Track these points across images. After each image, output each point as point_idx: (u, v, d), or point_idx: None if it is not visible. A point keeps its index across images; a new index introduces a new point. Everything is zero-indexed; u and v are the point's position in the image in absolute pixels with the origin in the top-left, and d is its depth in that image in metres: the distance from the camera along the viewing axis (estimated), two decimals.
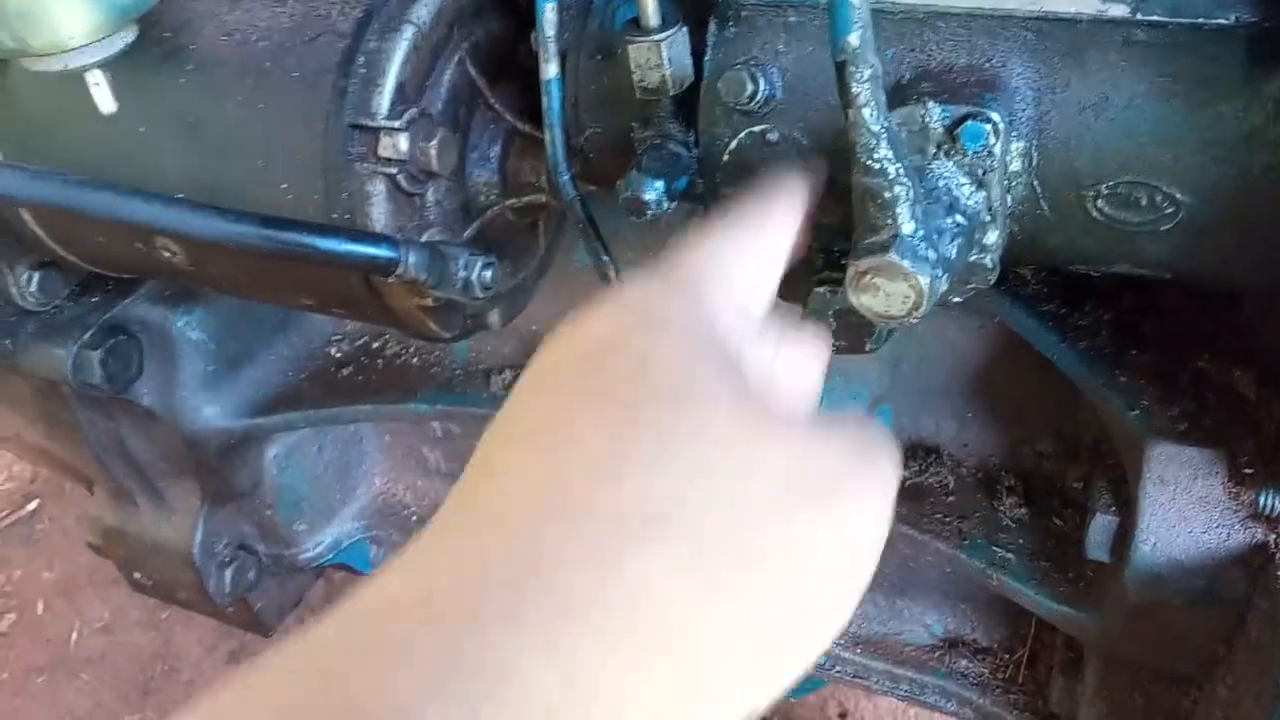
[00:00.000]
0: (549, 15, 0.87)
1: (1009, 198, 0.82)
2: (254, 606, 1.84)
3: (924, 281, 0.74)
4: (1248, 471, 0.94)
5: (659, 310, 0.48)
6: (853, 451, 0.47)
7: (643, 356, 0.45)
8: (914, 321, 0.77)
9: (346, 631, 0.37)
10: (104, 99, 0.89)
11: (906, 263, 0.74)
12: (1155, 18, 0.74)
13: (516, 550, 0.39)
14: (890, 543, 1.35)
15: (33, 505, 2.92)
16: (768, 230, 0.61)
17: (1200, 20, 0.72)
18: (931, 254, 0.75)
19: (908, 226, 0.74)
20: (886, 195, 0.74)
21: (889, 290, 0.76)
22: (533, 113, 1.11)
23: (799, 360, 0.65)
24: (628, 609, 0.37)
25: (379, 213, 1.01)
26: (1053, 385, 1.24)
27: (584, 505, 0.40)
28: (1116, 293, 1.09)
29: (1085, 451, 1.24)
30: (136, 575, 1.82)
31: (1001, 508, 1.24)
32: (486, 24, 1.08)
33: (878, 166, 0.72)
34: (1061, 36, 0.77)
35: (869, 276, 0.76)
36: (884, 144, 0.72)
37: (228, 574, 1.71)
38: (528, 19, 1.11)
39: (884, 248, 0.74)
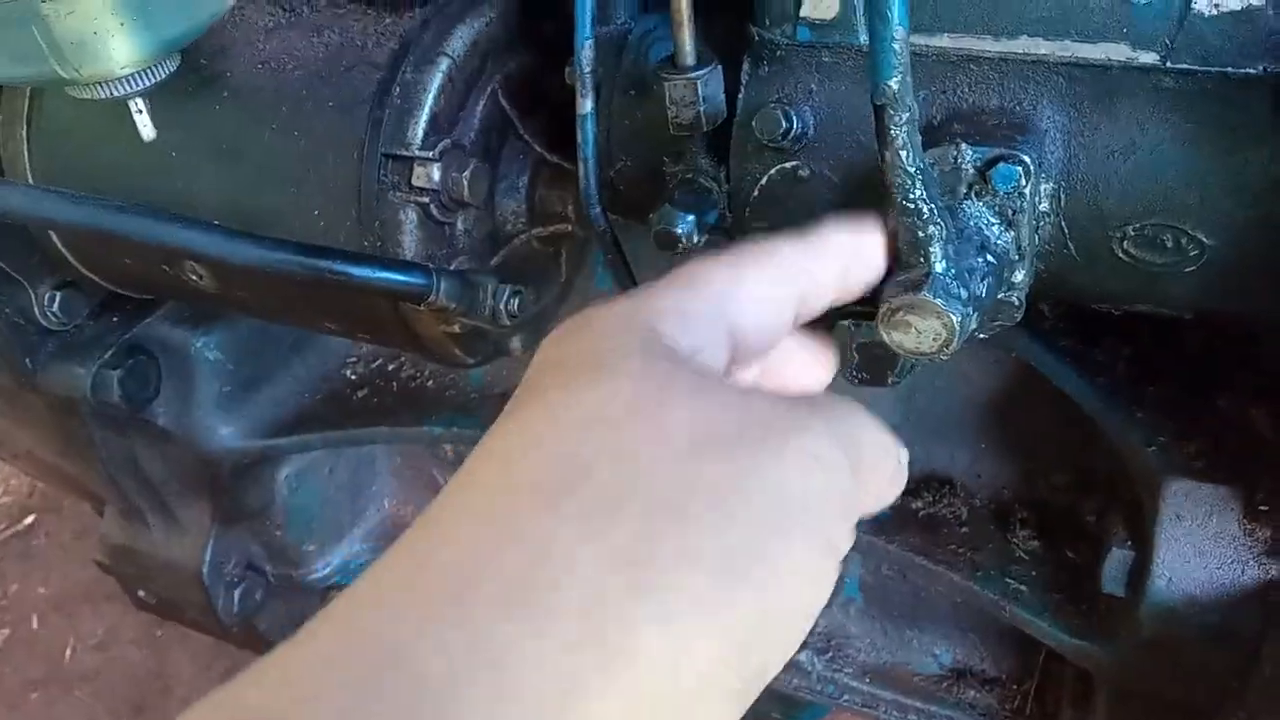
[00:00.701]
0: (587, 52, 0.89)
1: (1037, 237, 0.84)
2: (258, 627, 1.84)
3: (955, 319, 0.76)
4: (1264, 508, 0.95)
5: (610, 307, 0.48)
6: (792, 405, 0.45)
7: (567, 347, 0.46)
8: (944, 358, 0.79)
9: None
10: (145, 126, 0.90)
11: (939, 301, 0.75)
12: (1184, 66, 0.76)
13: (432, 534, 0.40)
14: (901, 572, 1.36)
15: (29, 520, 2.91)
16: (783, 262, 0.56)
17: (1228, 69, 0.74)
18: (963, 292, 0.77)
19: (940, 265, 0.76)
20: (920, 234, 0.75)
21: (921, 327, 0.77)
22: (561, 143, 1.13)
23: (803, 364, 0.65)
24: (539, 574, 0.36)
25: (410, 241, 1.03)
26: (1067, 418, 1.26)
27: (492, 481, 0.41)
28: (1134, 329, 1.11)
29: (1100, 485, 1.25)
30: (141, 593, 1.82)
31: (1015, 540, 1.25)
32: (518, 56, 1.10)
33: (912, 206, 0.74)
34: (1092, 82, 0.79)
35: (901, 314, 0.77)
36: (919, 184, 0.73)
37: (236, 594, 1.71)
38: (557, 52, 1.14)
39: (917, 285, 0.76)
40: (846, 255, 0.65)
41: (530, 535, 0.37)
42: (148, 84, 0.89)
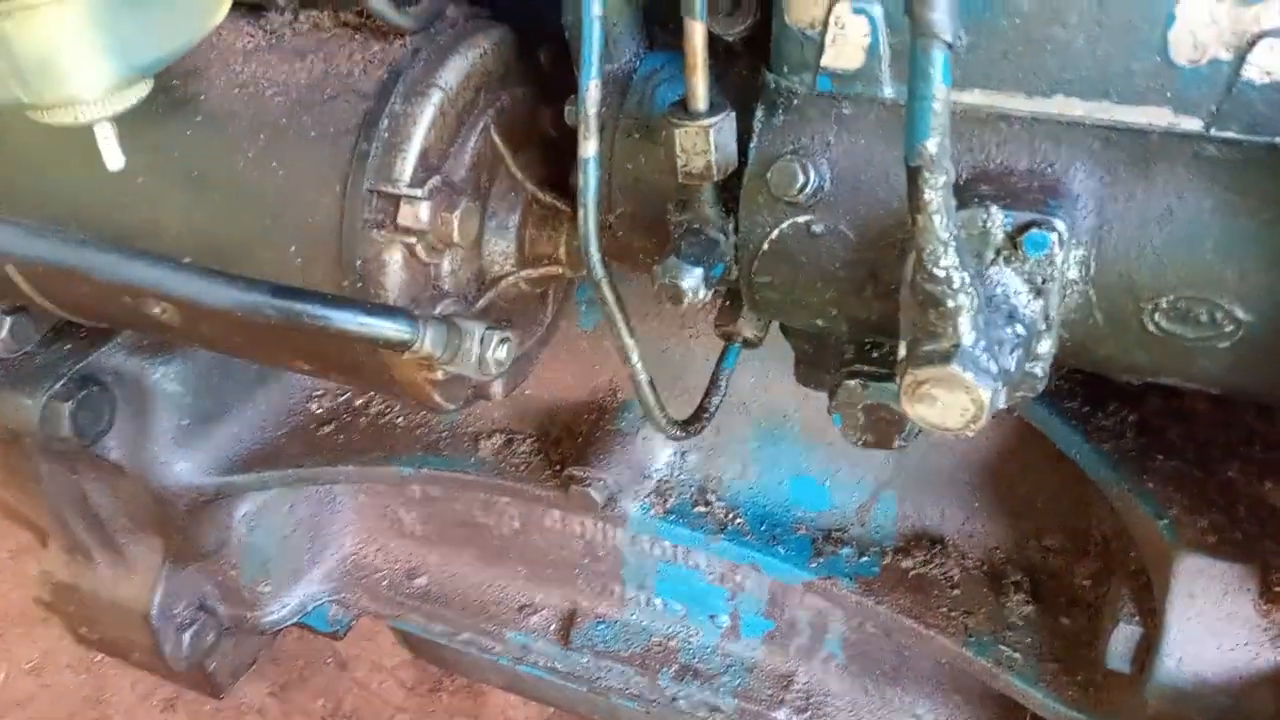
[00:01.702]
0: (593, 92, 0.84)
1: (1062, 305, 0.79)
2: (208, 668, 1.75)
3: (985, 395, 0.71)
4: (1279, 589, 0.92)
5: None
6: None
7: None
8: (970, 434, 0.74)
9: None
10: (112, 154, 0.83)
11: (970, 375, 0.71)
12: (1229, 134, 0.72)
13: None
14: (887, 633, 1.31)
15: None
16: None
17: (1276, 140, 0.71)
18: (993, 366, 0.72)
19: (969, 337, 0.72)
20: (950, 304, 0.71)
21: (947, 402, 0.73)
22: (553, 182, 1.08)
23: None
24: None
25: (393, 282, 0.96)
26: (1063, 479, 1.22)
27: None
28: (1140, 394, 1.07)
29: (1095, 548, 1.22)
30: (83, 630, 1.72)
31: (1009, 604, 1.21)
32: (511, 90, 1.05)
33: (943, 274, 0.70)
34: (1129, 146, 0.75)
35: (927, 386, 0.73)
36: (951, 252, 0.69)
37: (186, 637, 1.63)
38: (552, 85, 1.09)
39: (945, 358, 0.71)
40: None
41: None
42: (117, 110, 0.82)
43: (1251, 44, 0.69)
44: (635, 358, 0.96)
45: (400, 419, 1.52)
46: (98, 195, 1.02)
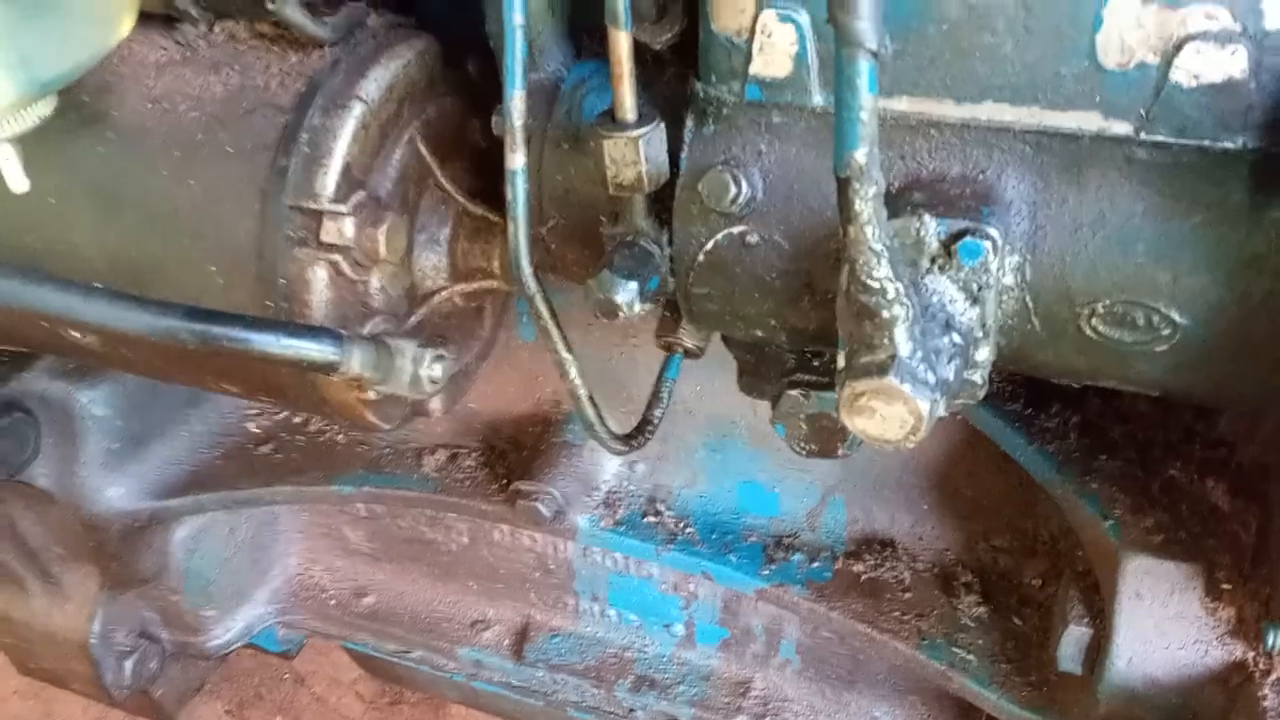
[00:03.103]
0: (517, 103, 0.81)
1: (1000, 312, 0.78)
2: (154, 694, 1.71)
3: (924, 406, 0.70)
4: (1225, 587, 0.92)
5: None
6: None
7: None
8: (910, 446, 0.73)
9: None
10: (15, 177, 0.79)
11: (907, 387, 0.69)
12: (1160, 138, 0.71)
13: None
14: (841, 637, 1.30)
15: None
16: None
17: (1206, 143, 0.70)
18: (930, 376, 0.71)
19: (905, 348, 0.70)
20: (885, 315, 0.69)
21: (885, 414, 0.71)
22: (484, 193, 1.05)
23: None
24: None
25: (319, 301, 0.93)
26: (1009, 480, 1.22)
27: None
28: (1082, 396, 1.07)
29: (1043, 548, 1.21)
30: (26, 663, 1.67)
31: (960, 606, 1.21)
32: (438, 100, 1.02)
33: (877, 285, 0.68)
34: (1060, 151, 0.74)
35: (865, 399, 0.71)
36: (884, 263, 0.68)
37: (128, 665, 1.58)
38: (480, 95, 1.06)
39: (882, 369, 0.70)
40: None
41: None
42: (19, 130, 0.78)
43: (1178, 47, 0.69)
44: (574, 372, 0.94)
45: (340, 436, 1.49)
46: (4, 218, 0.97)
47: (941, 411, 0.72)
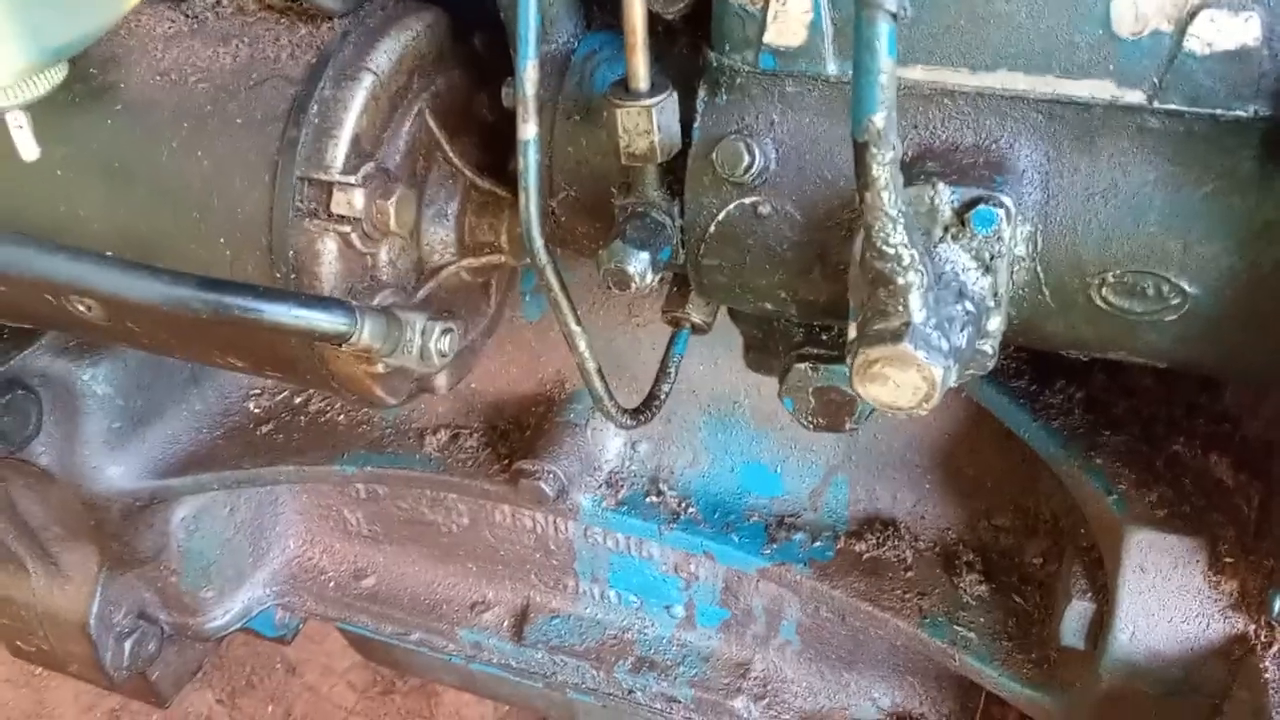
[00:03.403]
0: (530, 73, 0.81)
1: (1011, 282, 0.79)
2: (151, 677, 1.70)
3: (937, 373, 0.70)
4: (1228, 560, 0.92)
5: None
6: None
7: None
8: (922, 413, 0.73)
9: None
10: (26, 144, 0.79)
11: (921, 353, 0.70)
12: (1172, 106, 0.72)
13: None
14: (842, 617, 1.31)
15: None
16: None
17: (1218, 111, 0.71)
18: (944, 344, 0.71)
19: (919, 315, 0.71)
20: (899, 281, 0.70)
21: (899, 380, 0.71)
22: (492, 168, 1.05)
23: None
24: None
25: (328, 272, 0.93)
26: (1011, 458, 1.22)
27: None
28: (1086, 371, 1.07)
29: (1044, 527, 1.22)
30: (18, 643, 1.67)
31: (962, 584, 1.21)
32: (447, 73, 1.02)
33: (892, 251, 0.68)
34: (1073, 120, 0.75)
35: (879, 366, 0.71)
36: (900, 229, 0.68)
37: (126, 645, 1.58)
38: (488, 69, 1.06)
39: (896, 336, 0.70)
40: None
41: None
42: (30, 97, 0.78)
43: (1192, 15, 0.69)
44: (583, 345, 0.94)
45: (342, 416, 1.49)
46: (13, 189, 0.97)
47: (954, 380, 0.73)
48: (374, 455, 1.42)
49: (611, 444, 1.37)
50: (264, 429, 1.48)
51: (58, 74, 0.80)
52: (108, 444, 1.38)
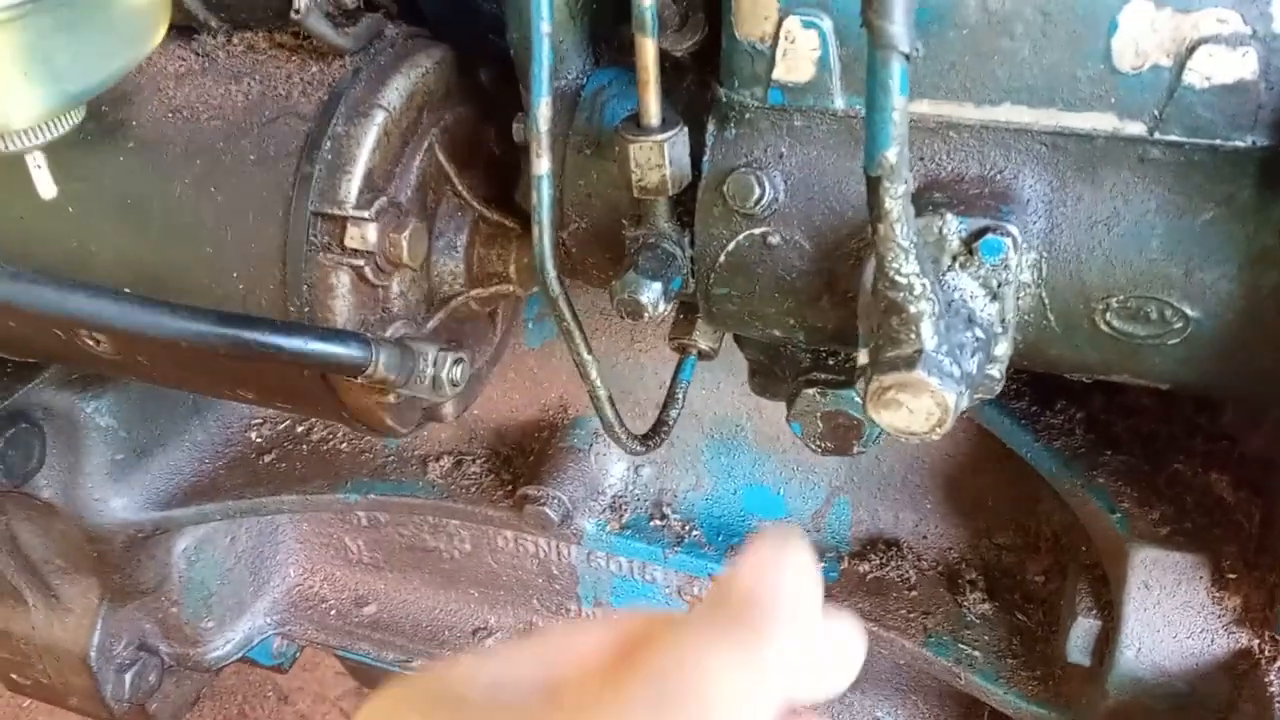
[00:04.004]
0: (544, 110, 0.83)
1: (1017, 308, 0.81)
2: (149, 709, 1.70)
3: (950, 398, 0.72)
4: (1231, 576, 0.94)
5: None
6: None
7: None
8: (935, 438, 0.75)
9: None
10: (44, 183, 0.80)
11: (934, 379, 0.71)
12: (1172, 137, 0.74)
13: None
14: None
15: None
16: (764, 646, 0.41)
17: (1217, 142, 0.73)
18: (956, 370, 0.73)
19: (931, 342, 0.72)
20: (912, 310, 0.71)
21: (913, 406, 0.73)
22: (499, 200, 1.07)
23: None
24: None
25: (342, 306, 0.94)
26: (1012, 477, 1.24)
27: None
28: (1086, 392, 1.09)
29: (1046, 545, 1.24)
30: (14, 677, 1.66)
31: (965, 603, 1.23)
32: (455, 108, 1.03)
33: (904, 281, 0.70)
34: (1076, 151, 0.77)
35: (892, 392, 0.73)
36: (911, 259, 0.70)
37: (127, 677, 1.57)
38: (494, 103, 1.08)
39: (909, 363, 0.72)
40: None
41: None
42: (50, 138, 0.79)
43: (1191, 50, 0.71)
44: (594, 373, 0.95)
45: (344, 444, 1.49)
46: (27, 226, 0.98)
47: (965, 404, 0.74)
48: (377, 483, 1.43)
49: (615, 468, 1.38)
50: (266, 458, 1.48)
51: (77, 115, 0.82)
52: (111, 476, 1.38)
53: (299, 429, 1.52)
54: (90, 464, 1.37)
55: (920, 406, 0.73)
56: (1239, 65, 0.70)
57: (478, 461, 1.43)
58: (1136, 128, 0.75)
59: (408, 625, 1.62)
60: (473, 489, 1.39)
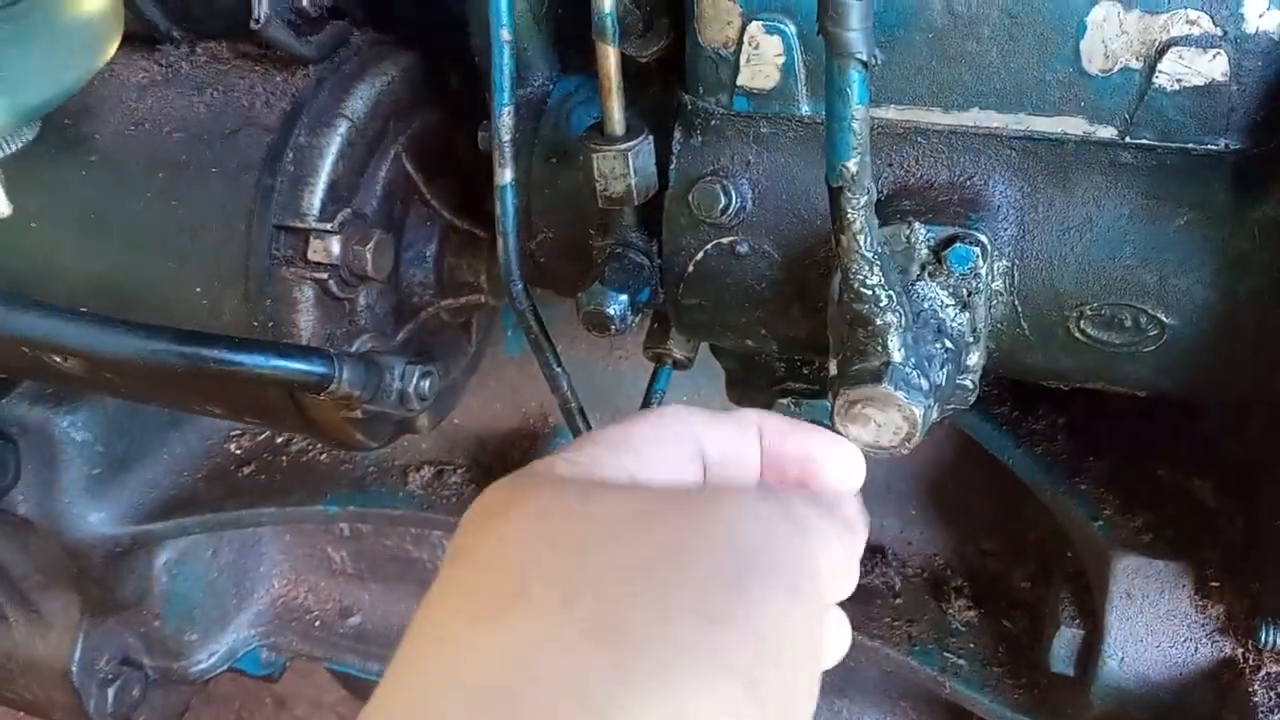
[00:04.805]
0: (505, 119, 0.81)
1: (989, 316, 0.79)
2: None
3: (918, 412, 0.70)
4: (1214, 584, 0.93)
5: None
6: (723, 487, 0.54)
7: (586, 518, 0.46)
8: (904, 453, 0.73)
9: None
10: (0, 201, 0.79)
11: (901, 393, 0.70)
12: (1144, 141, 0.72)
13: (427, 647, 0.44)
14: None
15: None
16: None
17: (1189, 145, 0.71)
18: (924, 383, 0.71)
19: (899, 355, 0.71)
20: (878, 322, 0.70)
21: (880, 420, 0.72)
22: (470, 208, 1.05)
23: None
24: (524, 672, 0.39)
25: (306, 320, 0.93)
26: (996, 483, 1.22)
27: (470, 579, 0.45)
28: (1069, 397, 1.08)
29: (1031, 550, 1.22)
30: (2, 692, 1.64)
31: (951, 610, 1.21)
32: (422, 116, 1.02)
33: (869, 293, 0.69)
34: (1046, 156, 0.75)
35: (859, 406, 0.71)
36: (876, 270, 0.68)
37: (110, 692, 1.55)
38: (464, 110, 1.06)
39: (876, 377, 0.70)
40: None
41: (507, 634, 0.40)
42: (3, 154, 0.78)
43: (1160, 53, 0.70)
44: (565, 385, 0.94)
45: (324, 456, 1.47)
46: None
47: (935, 417, 0.73)
48: (357, 494, 1.41)
49: None
50: (246, 470, 1.47)
51: (30, 131, 0.80)
52: (88, 490, 1.37)
53: (278, 440, 1.50)
54: (67, 479, 1.35)
55: (889, 420, 0.72)
56: (1209, 67, 0.68)
57: (459, 471, 1.41)
58: (1108, 132, 0.73)
59: (393, 636, 1.59)
60: (454, 499, 1.38)
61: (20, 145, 0.79)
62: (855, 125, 0.62)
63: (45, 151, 0.93)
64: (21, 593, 1.46)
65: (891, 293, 0.69)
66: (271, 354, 0.85)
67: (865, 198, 0.65)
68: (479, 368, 1.27)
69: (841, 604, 1.19)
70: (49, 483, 1.34)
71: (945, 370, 0.74)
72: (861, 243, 0.66)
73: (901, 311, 0.70)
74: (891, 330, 0.70)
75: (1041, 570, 1.20)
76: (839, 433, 0.74)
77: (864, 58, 0.60)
